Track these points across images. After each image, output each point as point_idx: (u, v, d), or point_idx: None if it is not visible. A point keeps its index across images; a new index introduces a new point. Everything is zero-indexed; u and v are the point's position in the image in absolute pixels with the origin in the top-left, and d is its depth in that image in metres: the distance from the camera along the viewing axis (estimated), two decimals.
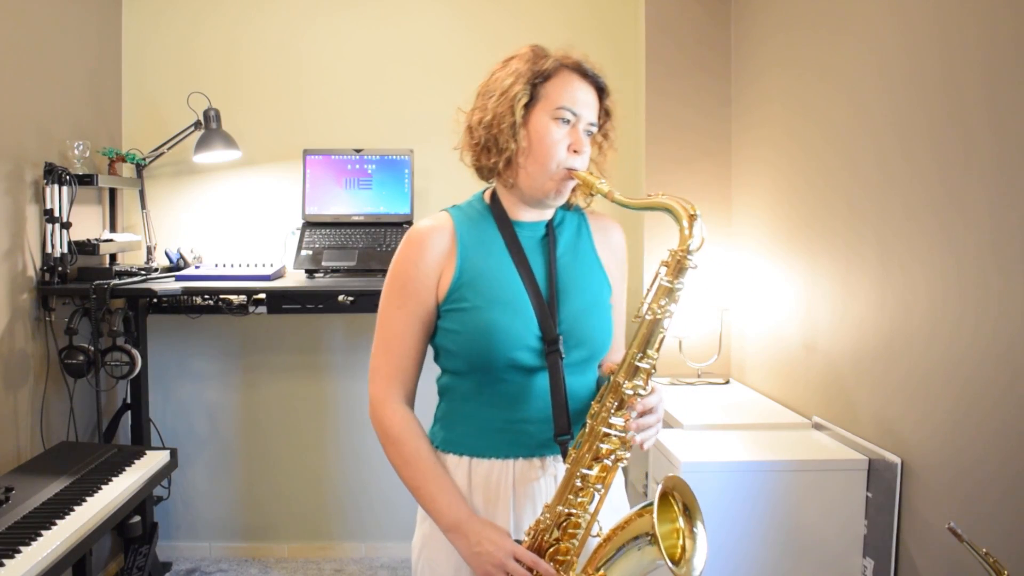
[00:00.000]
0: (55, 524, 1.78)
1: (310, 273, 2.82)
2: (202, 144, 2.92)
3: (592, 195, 1.28)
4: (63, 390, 2.68)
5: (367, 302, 2.72)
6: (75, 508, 1.88)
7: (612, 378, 1.21)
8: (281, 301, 2.79)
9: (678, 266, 1.18)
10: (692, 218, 1.17)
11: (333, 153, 3.01)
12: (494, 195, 1.35)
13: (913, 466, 1.83)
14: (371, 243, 2.89)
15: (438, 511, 1.26)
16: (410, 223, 2.96)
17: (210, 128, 2.93)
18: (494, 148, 1.28)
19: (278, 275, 2.81)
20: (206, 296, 2.87)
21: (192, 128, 2.96)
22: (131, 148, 3.05)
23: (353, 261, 2.83)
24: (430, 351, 1.36)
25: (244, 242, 3.16)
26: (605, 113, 1.32)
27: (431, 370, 1.37)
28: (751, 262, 2.80)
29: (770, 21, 2.66)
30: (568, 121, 1.26)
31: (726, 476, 1.97)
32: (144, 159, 3.01)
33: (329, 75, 3.17)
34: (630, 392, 1.19)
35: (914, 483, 1.82)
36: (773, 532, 1.96)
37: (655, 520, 1.13)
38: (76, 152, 2.67)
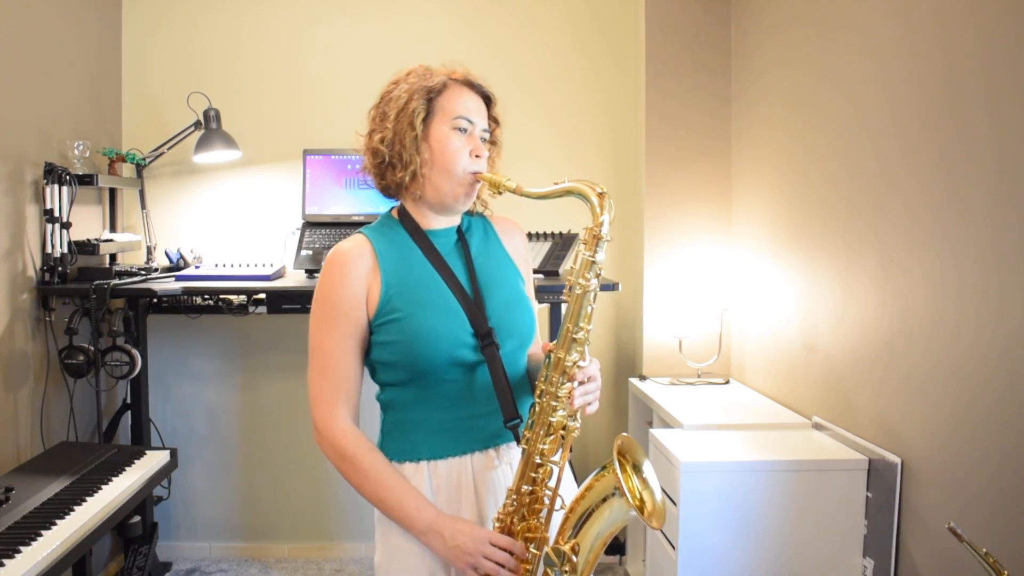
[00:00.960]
0: (55, 524, 1.78)
1: (310, 273, 2.82)
2: (202, 144, 2.92)
3: (500, 192, 1.33)
4: (63, 390, 2.68)
5: None
6: (75, 508, 1.88)
7: (553, 354, 1.27)
8: (281, 301, 2.79)
9: (594, 241, 1.26)
10: (601, 196, 1.26)
11: (333, 153, 3.01)
12: (402, 210, 1.41)
13: (913, 466, 1.83)
14: None
15: (408, 516, 1.28)
16: None
17: (210, 128, 2.93)
18: (399, 164, 1.34)
19: (278, 275, 2.81)
20: (206, 296, 2.87)
21: (192, 128, 2.96)
22: (131, 148, 3.05)
23: None
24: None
25: (244, 242, 3.16)
26: (494, 121, 1.41)
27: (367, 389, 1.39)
28: (751, 262, 2.80)
29: (770, 21, 2.66)
30: (465, 130, 1.34)
31: (726, 476, 1.97)
32: (144, 159, 3.01)
33: (329, 75, 3.17)
34: (570, 364, 1.26)
35: (914, 483, 1.82)
36: (773, 532, 1.96)
37: (619, 474, 1.20)
38: (76, 152, 2.67)
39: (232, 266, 2.85)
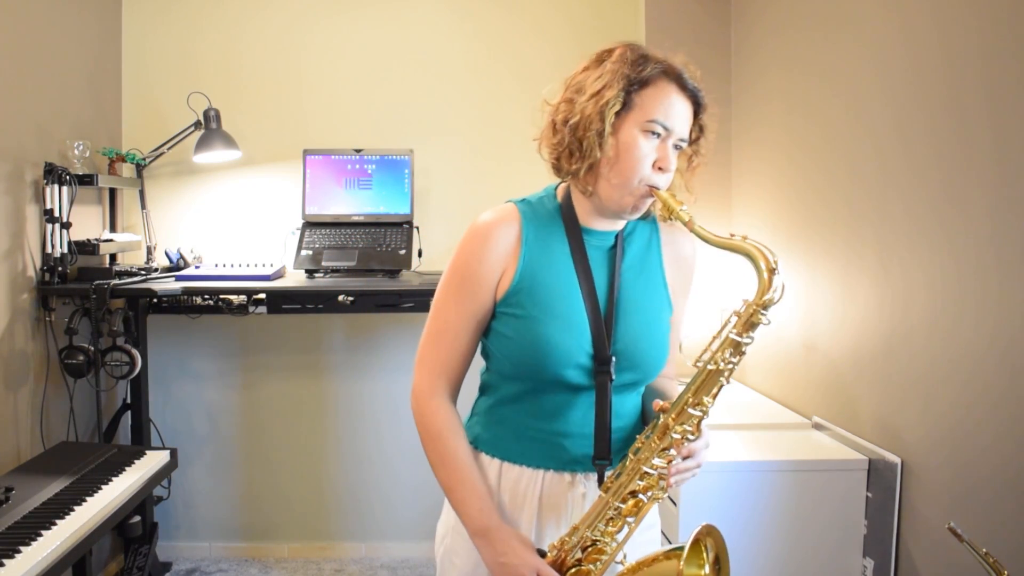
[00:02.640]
0: (55, 524, 1.78)
1: (310, 273, 2.82)
2: (202, 144, 2.92)
3: (671, 219, 1.20)
4: (63, 390, 2.67)
5: (367, 302, 2.72)
6: (75, 508, 1.88)
7: (662, 419, 1.18)
8: (281, 301, 2.79)
9: (749, 320, 1.15)
10: (772, 272, 1.13)
11: (333, 153, 3.01)
12: (567, 195, 1.29)
13: (913, 466, 1.83)
14: (371, 243, 2.89)
15: (468, 515, 1.24)
16: (410, 223, 2.96)
17: (210, 128, 2.93)
18: (578, 152, 1.21)
19: (278, 275, 2.81)
20: (206, 296, 2.87)
21: (192, 128, 2.96)
22: (131, 148, 3.05)
23: (353, 261, 2.82)
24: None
25: (244, 242, 3.16)
26: (699, 129, 1.25)
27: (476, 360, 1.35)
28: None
29: (770, 21, 2.66)
30: (658, 135, 1.19)
31: (726, 476, 1.97)
32: (144, 159, 3.01)
33: (329, 75, 3.17)
34: (678, 436, 1.17)
35: (914, 483, 1.82)
36: (773, 532, 1.96)
37: (681, 566, 1.10)
38: (76, 152, 2.67)
39: (232, 266, 2.85)
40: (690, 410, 1.16)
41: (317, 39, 3.17)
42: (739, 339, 1.15)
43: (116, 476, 2.13)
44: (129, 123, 3.15)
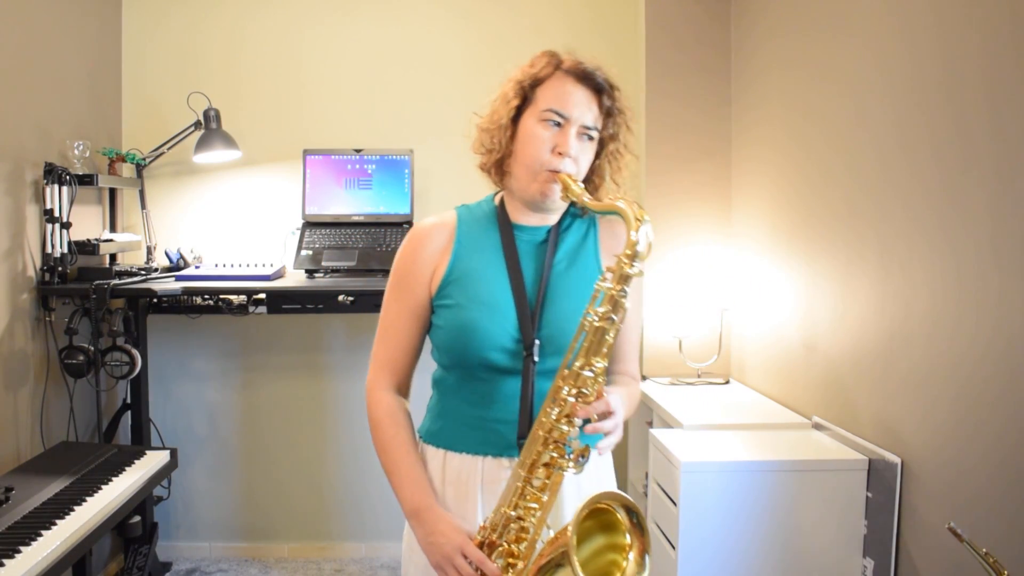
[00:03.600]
0: (55, 524, 1.78)
1: (310, 273, 2.82)
2: (202, 144, 2.92)
3: (568, 198, 1.27)
4: (63, 390, 2.68)
5: (367, 302, 2.72)
6: (75, 508, 1.88)
7: (553, 382, 1.22)
8: (281, 301, 2.79)
9: (620, 272, 1.18)
10: (639, 222, 1.17)
11: (333, 153, 3.01)
12: (503, 197, 1.39)
13: (913, 466, 1.83)
14: (371, 243, 2.90)
15: (402, 496, 1.32)
16: (410, 223, 2.96)
17: (210, 128, 2.93)
18: (490, 149, 1.33)
19: (278, 275, 2.81)
20: (206, 296, 2.87)
21: (192, 128, 2.96)
22: (131, 148, 3.05)
23: (353, 261, 2.83)
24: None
25: (244, 242, 3.16)
26: (607, 113, 1.30)
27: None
28: (751, 262, 2.80)
29: (770, 21, 2.66)
30: (558, 124, 1.28)
31: (726, 476, 1.97)
32: (144, 159, 3.01)
33: (329, 75, 3.17)
34: (572, 400, 1.19)
35: (914, 483, 1.82)
36: (773, 532, 1.96)
37: (572, 549, 1.08)
38: (76, 152, 2.67)
39: (232, 266, 2.85)
40: (583, 372, 1.19)
41: (317, 39, 3.17)
42: (616, 294, 1.18)
43: (116, 476, 2.13)
44: (129, 123, 3.15)
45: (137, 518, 2.84)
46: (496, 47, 3.16)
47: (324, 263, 2.82)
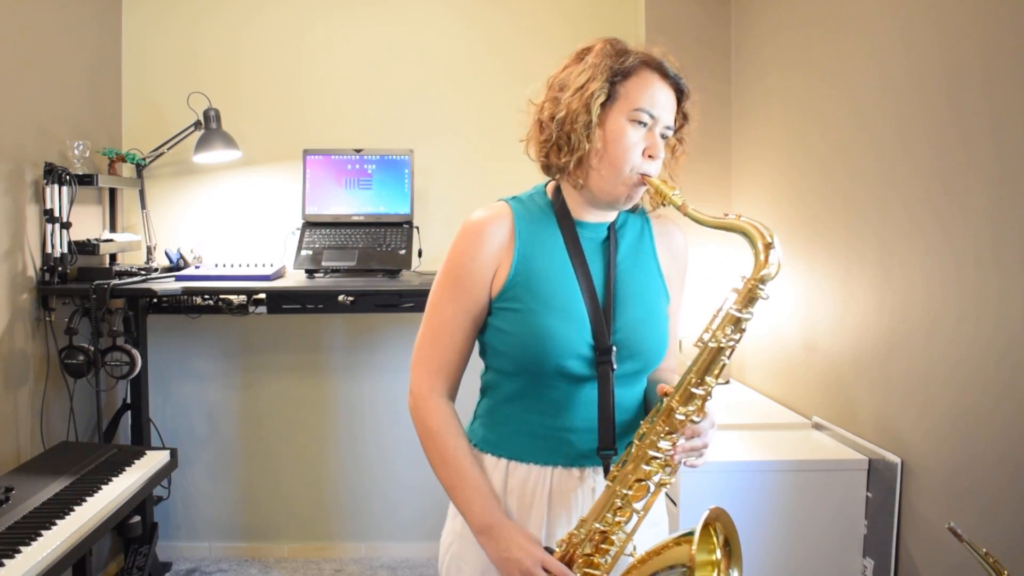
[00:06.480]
0: (55, 524, 1.78)
1: (310, 273, 2.82)
2: (202, 144, 2.92)
3: (664, 204, 1.21)
4: (63, 390, 2.67)
5: (367, 302, 2.72)
6: (75, 508, 1.88)
7: (666, 402, 1.16)
8: (281, 301, 2.79)
9: (749, 295, 1.14)
10: (768, 246, 1.13)
11: (333, 153, 3.01)
12: (557, 190, 1.30)
13: (913, 466, 1.83)
14: (371, 243, 2.89)
15: (471, 512, 1.23)
16: (410, 223, 2.96)
17: (210, 128, 2.93)
18: (566, 147, 1.23)
19: (278, 275, 2.81)
20: (206, 296, 2.87)
21: (192, 128, 2.96)
22: (131, 148, 3.05)
23: (353, 261, 2.82)
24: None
25: (244, 242, 3.16)
26: (683, 117, 1.27)
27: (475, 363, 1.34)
28: (751, 262, 2.79)
29: (770, 21, 2.66)
30: (645, 124, 1.21)
31: (726, 476, 1.97)
32: (144, 159, 3.01)
33: (329, 75, 3.17)
34: (682, 418, 1.15)
35: (914, 483, 1.82)
36: (773, 532, 1.96)
37: (694, 551, 1.08)
38: (76, 152, 2.67)
39: (232, 266, 2.85)
40: (693, 390, 1.15)
41: (317, 39, 3.17)
42: (739, 315, 1.15)
43: (116, 476, 2.13)
44: (129, 123, 3.15)
45: (137, 518, 2.84)
46: (496, 47, 3.16)
47: (324, 263, 2.82)
